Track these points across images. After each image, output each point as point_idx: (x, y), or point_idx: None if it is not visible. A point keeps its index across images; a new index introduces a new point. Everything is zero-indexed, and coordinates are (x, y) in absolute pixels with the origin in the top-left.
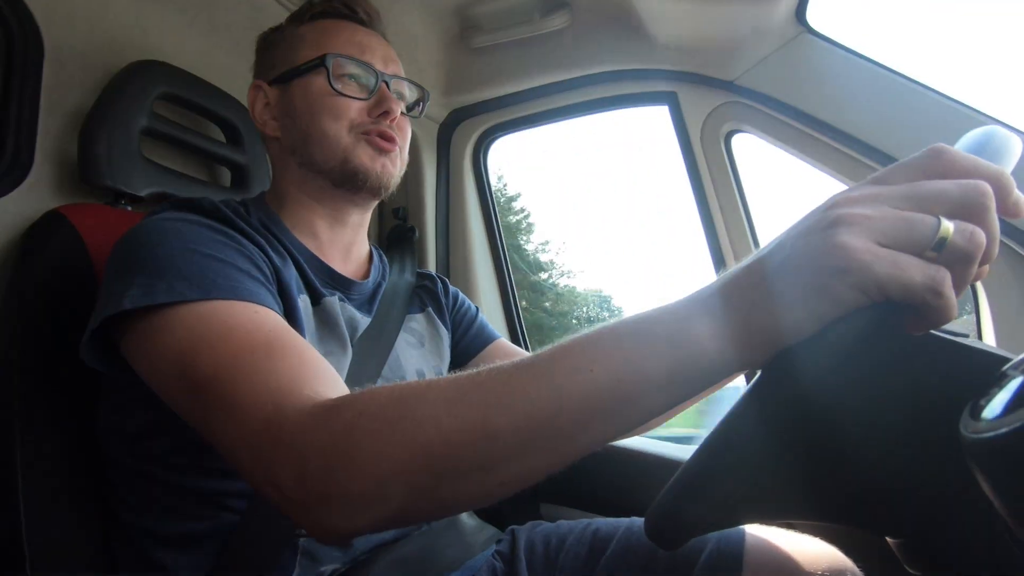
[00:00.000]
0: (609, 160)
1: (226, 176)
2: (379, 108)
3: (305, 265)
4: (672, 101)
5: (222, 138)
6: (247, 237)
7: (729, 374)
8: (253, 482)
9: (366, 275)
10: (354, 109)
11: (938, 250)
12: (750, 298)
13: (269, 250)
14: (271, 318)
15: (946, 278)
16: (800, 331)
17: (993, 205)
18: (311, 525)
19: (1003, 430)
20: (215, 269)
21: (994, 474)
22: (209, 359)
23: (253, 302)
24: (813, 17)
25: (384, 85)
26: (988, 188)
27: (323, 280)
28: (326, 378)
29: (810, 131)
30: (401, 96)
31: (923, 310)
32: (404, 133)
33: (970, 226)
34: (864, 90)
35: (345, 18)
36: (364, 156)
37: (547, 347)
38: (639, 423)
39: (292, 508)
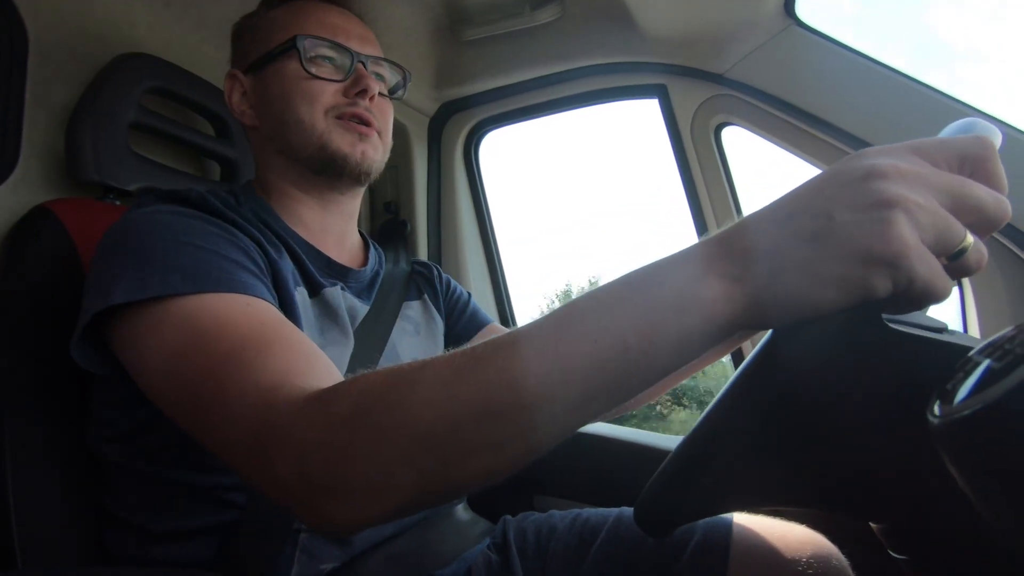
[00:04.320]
0: (600, 153)
1: (215, 170)
2: (355, 87)
3: (303, 255)
4: (662, 94)
5: (211, 132)
6: (239, 228)
7: (737, 334)
8: (253, 481)
9: (363, 263)
10: (329, 92)
11: (954, 259)
12: (772, 266)
13: (264, 242)
14: (263, 310)
15: (951, 292)
16: (824, 310)
17: None
18: (318, 520)
19: (966, 412)
20: (207, 260)
21: (958, 457)
22: (201, 359)
23: (246, 294)
24: (802, 10)
25: (360, 65)
26: (1010, 209)
27: (322, 270)
28: (319, 368)
29: (799, 123)
30: (380, 77)
31: (915, 306)
32: (385, 116)
33: (983, 247)
34: (852, 82)
35: None
36: (342, 141)
37: (549, 313)
38: (646, 387)
39: (296, 503)
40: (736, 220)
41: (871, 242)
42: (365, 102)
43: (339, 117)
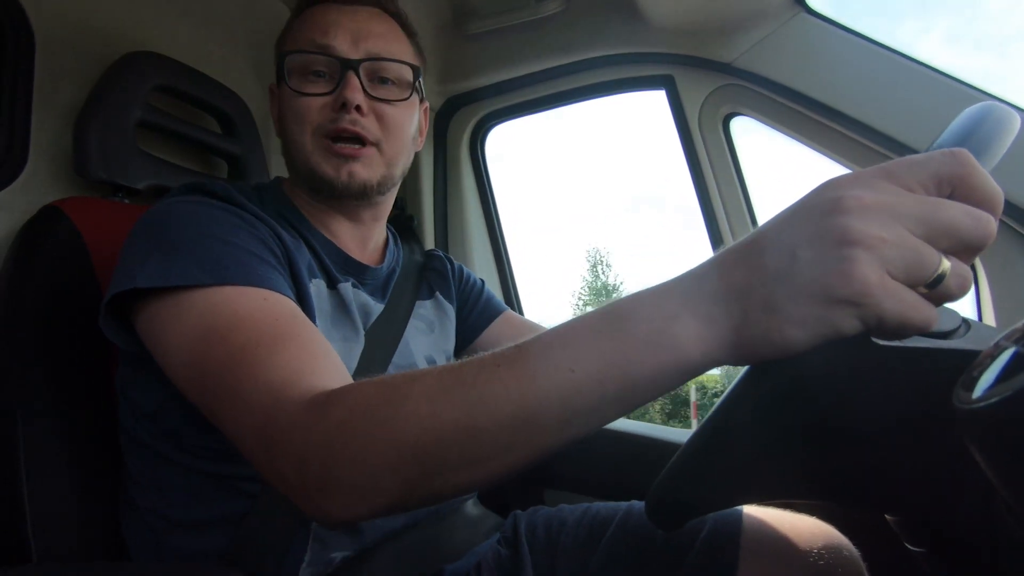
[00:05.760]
0: (608, 144)
1: (223, 167)
2: (337, 102)
3: (320, 250)
4: (669, 84)
5: (218, 129)
6: (259, 219)
7: (713, 368)
8: (259, 469)
9: (380, 260)
10: (315, 108)
11: (932, 287)
12: (744, 306)
13: (282, 232)
14: (280, 305)
15: (936, 319)
16: (793, 350)
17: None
18: (313, 511)
19: (994, 400)
20: (228, 254)
21: (986, 445)
22: (218, 351)
23: (264, 287)
24: None
25: (351, 72)
26: (995, 227)
27: (338, 265)
28: (327, 367)
29: (808, 112)
30: (383, 80)
31: (898, 336)
32: (386, 123)
33: (965, 270)
34: (863, 70)
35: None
36: (327, 165)
37: (529, 339)
38: (624, 414)
39: (295, 496)
40: (718, 250)
41: (832, 281)
42: (350, 115)
43: (327, 136)
